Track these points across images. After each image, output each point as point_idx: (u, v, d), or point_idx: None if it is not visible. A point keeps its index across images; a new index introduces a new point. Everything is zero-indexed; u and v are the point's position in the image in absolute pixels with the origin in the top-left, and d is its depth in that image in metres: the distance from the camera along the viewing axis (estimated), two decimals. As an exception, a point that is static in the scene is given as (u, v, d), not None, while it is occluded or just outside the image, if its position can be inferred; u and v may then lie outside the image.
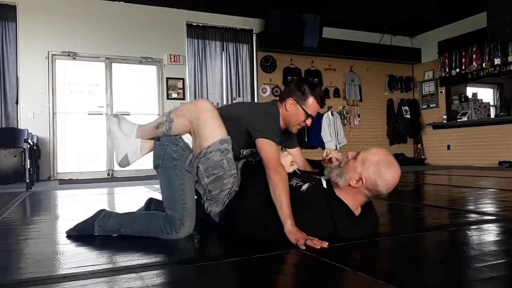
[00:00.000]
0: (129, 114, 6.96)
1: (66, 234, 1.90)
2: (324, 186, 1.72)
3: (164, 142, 1.83)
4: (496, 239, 1.73)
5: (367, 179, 1.61)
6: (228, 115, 1.90)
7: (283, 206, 1.61)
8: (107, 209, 1.95)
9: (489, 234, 1.82)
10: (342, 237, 1.58)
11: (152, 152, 1.91)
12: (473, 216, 2.29)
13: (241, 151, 1.98)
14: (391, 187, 1.64)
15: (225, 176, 1.77)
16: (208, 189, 1.78)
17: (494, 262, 1.33)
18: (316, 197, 1.65)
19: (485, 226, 1.98)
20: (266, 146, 1.79)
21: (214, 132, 1.74)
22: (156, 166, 1.86)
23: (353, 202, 1.66)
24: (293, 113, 1.96)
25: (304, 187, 1.69)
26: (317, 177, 1.82)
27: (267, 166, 1.73)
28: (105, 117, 6.85)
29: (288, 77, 8.02)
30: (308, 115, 1.97)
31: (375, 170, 1.60)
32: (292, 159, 1.96)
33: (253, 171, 1.85)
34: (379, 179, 1.60)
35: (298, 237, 1.52)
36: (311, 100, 1.95)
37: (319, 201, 1.63)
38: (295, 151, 2.17)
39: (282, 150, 2.13)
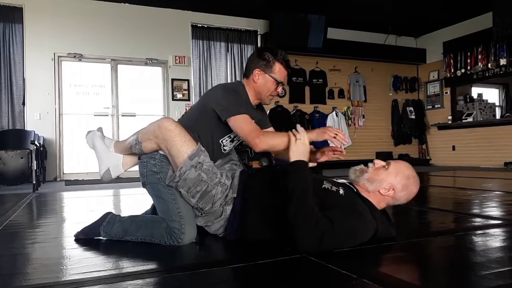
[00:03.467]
0: (134, 115, 7.00)
1: (74, 238, 1.91)
2: (355, 190, 1.75)
3: (144, 159, 1.84)
4: (502, 245, 1.72)
5: (397, 190, 1.70)
6: (195, 110, 1.89)
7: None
8: (113, 211, 1.96)
9: (495, 239, 1.82)
10: (380, 237, 1.63)
11: (137, 167, 1.91)
12: (479, 220, 2.28)
13: (220, 141, 1.91)
14: (408, 201, 1.77)
15: (210, 188, 1.71)
16: (199, 207, 1.73)
17: (501, 270, 1.32)
18: (358, 201, 1.67)
19: (491, 231, 1.97)
20: (238, 123, 1.75)
21: (181, 149, 1.68)
22: (143, 184, 1.87)
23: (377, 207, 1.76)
24: (262, 83, 1.90)
25: (341, 191, 1.69)
26: (339, 181, 1.82)
27: (249, 142, 1.70)
28: (111, 118, 6.89)
29: (293, 78, 8.02)
30: (278, 83, 1.91)
31: (405, 184, 1.70)
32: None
33: (252, 178, 1.82)
34: (405, 193, 1.71)
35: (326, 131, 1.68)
36: (277, 66, 1.89)
37: (362, 204, 1.65)
38: (270, 131, 2.13)
39: None
